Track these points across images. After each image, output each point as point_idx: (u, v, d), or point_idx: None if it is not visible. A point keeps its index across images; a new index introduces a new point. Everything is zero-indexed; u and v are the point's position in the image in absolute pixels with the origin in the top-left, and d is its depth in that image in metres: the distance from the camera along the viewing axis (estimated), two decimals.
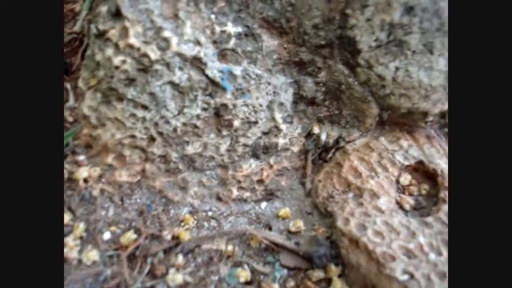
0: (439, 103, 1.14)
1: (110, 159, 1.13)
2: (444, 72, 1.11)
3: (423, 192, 1.17)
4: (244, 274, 1.04)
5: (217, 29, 1.08)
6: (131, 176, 1.14)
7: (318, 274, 1.06)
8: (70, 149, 1.13)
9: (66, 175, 1.08)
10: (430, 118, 1.18)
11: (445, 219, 1.04)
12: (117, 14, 1.08)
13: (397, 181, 1.18)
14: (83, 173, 1.09)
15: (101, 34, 1.10)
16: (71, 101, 1.19)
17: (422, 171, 1.20)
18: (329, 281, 1.05)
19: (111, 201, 1.11)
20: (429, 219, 1.06)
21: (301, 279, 1.07)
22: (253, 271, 1.08)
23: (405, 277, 0.95)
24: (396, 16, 1.06)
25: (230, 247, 1.08)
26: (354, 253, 1.03)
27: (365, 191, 1.13)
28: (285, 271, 1.08)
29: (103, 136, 1.12)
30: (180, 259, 1.04)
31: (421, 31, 1.08)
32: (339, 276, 1.06)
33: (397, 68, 1.11)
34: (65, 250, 1.00)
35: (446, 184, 1.12)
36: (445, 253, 0.97)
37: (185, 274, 1.02)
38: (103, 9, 1.10)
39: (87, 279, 0.99)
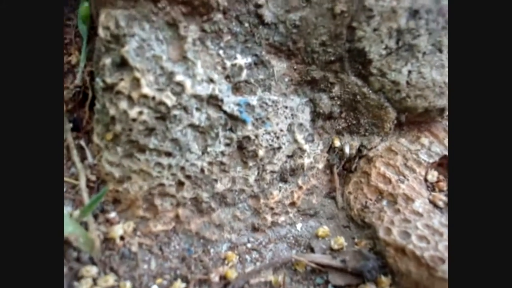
0: None
1: (141, 211, 1.11)
2: None
3: None
4: None
5: (228, 63, 1.07)
6: (165, 224, 1.13)
7: (369, 287, 1.06)
8: (99, 208, 1.11)
9: (101, 236, 1.06)
10: (447, 113, 1.19)
11: None
12: (122, 65, 1.06)
13: (425, 180, 1.20)
14: (118, 230, 1.07)
15: (110, 87, 1.08)
16: (89, 159, 1.16)
17: (447, 165, 1.21)
18: None
19: (150, 253, 1.10)
20: None
21: None
22: None
23: None
24: (403, 21, 1.06)
25: (279, 277, 1.08)
26: (402, 261, 1.04)
27: (398, 196, 1.14)
28: None
29: (131, 189, 1.10)
30: None
31: (428, 32, 1.08)
32: (390, 285, 1.07)
33: (409, 72, 1.11)
34: None
35: None
36: None
37: None
38: (107, 61, 1.07)
39: None
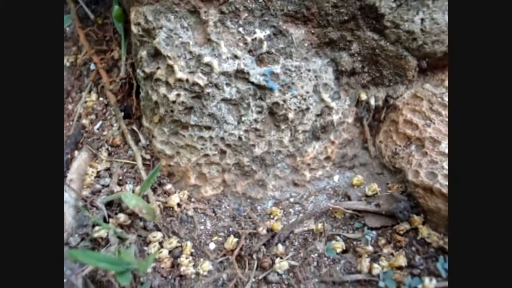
0: None
1: (192, 180, 1.27)
2: None
3: None
4: (339, 245, 1.16)
5: (248, 38, 1.17)
6: (215, 189, 1.28)
7: (404, 226, 1.16)
8: (156, 182, 1.28)
9: (161, 206, 1.23)
10: None
11: None
12: (157, 55, 1.19)
13: None
14: (175, 199, 1.23)
15: (149, 76, 1.22)
16: (142, 140, 1.33)
17: None
18: (415, 230, 1.15)
19: (205, 215, 1.26)
20: None
21: (390, 234, 1.18)
22: (345, 240, 1.19)
23: None
24: None
25: (319, 225, 1.20)
26: (431, 200, 1.12)
27: (426, 139, 1.20)
28: (374, 232, 1.19)
29: (181, 163, 1.25)
30: (280, 248, 1.18)
31: None
32: (423, 223, 1.15)
33: (422, 20, 1.15)
34: (182, 268, 1.16)
35: None
36: None
37: (289, 260, 1.16)
38: (143, 53, 1.22)
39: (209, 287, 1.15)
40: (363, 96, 1.29)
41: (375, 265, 1.11)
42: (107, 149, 1.35)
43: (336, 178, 1.33)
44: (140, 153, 1.31)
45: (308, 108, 1.24)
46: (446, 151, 1.16)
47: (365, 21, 1.18)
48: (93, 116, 1.42)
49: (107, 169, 1.31)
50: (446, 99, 1.24)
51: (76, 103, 1.45)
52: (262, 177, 1.28)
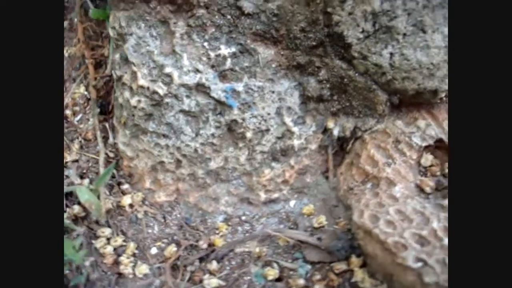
0: (447, 79, 1.10)
1: (148, 184, 1.29)
2: (443, 47, 1.07)
3: (447, 171, 1.14)
4: (272, 272, 1.14)
5: (212, 54, 1.17)
6: (168, 196, 1.30)
7: (340, 266, 1.11)
8: (116, 180, 1.32)
9: (114, 204, 1.28)
10: (442, 95, 1.14)
11: None
12: (126, 60, 1.23)
13: (419, 164, 1.17)
14: (127, 200, 1.27)
15: (119, 79, 1.26)
16: (110, 139, 1.38)
17: (445, 149, 1.17)
18: (352, 272, 1.11)
19: (155, 220, 1.29)
20: (446, 202, 1.05)
21: (325, 272, 1.14)
22: (282, 268, 1.17)
23: (419, 264, 0.96)
24: (377, 4, 1.04)
25: (257, 249, 1.19)
26: (370, 244, 1.07)
27: (382, 179, 1.15)
28: (310, 265, 1.15)
29: (139, 165, 1.28)
30: (214, 264, 1.18)
31: (406, 13, 1.05)
32: (362, 266, 1.10)
33: (391, 54, 1.09)
34: (121, 267, 1.19)
35: None
36: None
37: (220, 278, 1.16)
38: (116, 56, 1.25)
39: None
40: (330, 125, 1.25)
41: None
42: (80, 141, 1.41)
43: (292, 203, 1.30)
44: (105, 150, 1.35)
45: (268, 130, 1.22)
46: (398, 195, 1.10)
47: (334, 49, 1.14)
48: (77, 108, 1.48)
49: (75, 161, 1.37)
50: (414, 139, 1.17)
51: (68, 93, 1.52)
52: (216, 191, 1.28)
